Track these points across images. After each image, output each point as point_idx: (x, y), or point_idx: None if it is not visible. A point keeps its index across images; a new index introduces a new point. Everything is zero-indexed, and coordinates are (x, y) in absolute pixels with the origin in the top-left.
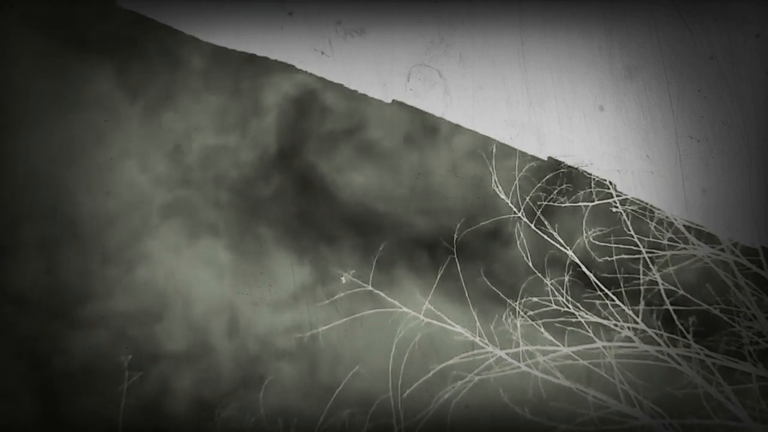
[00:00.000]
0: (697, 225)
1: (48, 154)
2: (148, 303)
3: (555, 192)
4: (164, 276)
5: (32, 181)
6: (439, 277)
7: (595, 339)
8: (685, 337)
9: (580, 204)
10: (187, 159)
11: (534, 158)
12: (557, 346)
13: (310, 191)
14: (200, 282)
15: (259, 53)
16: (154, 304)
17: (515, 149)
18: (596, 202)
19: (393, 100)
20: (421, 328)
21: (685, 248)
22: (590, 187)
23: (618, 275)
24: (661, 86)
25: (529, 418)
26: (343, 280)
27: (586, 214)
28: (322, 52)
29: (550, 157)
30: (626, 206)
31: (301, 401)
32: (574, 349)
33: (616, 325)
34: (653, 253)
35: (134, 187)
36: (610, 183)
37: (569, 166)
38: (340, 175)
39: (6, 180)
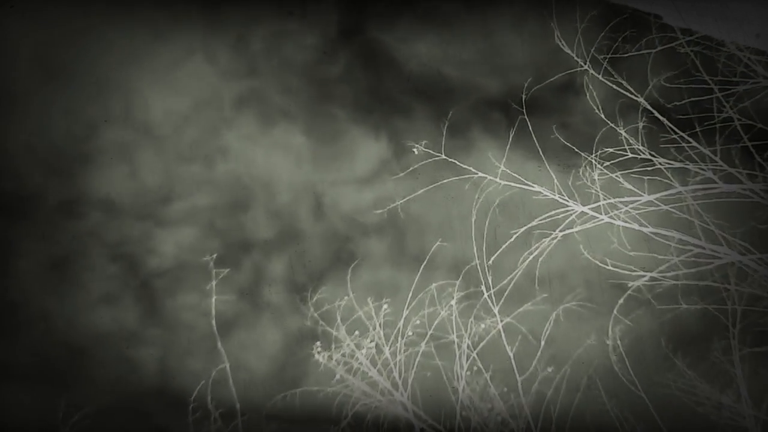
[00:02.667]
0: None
1: (114, 58)
2: (232, 195)
3: (620, 39)
4: (244, 166)
5: (102, 88)
6: (510, 138)
7: (675, 184)
8: (765, 171)
9: (644, 51)
10: (253, 46)
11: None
12: (638, 194)
13: (376, 66)
14: (280, 168)
15: None
16: (238, 195)
17: None
18: (659, 48)
19: None
20: (499, 191)
21: (757, 81)
22: (653, 33)
23: (692, 115)
24: None
25: (612, 270)
26: (416, 151)
27: (650, 61)
28: None
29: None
30: (692, 47)
31: (390, 276)
32: (655, 196)
33: (695, 168)
34: (726, 89)
35: (203, 81)
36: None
37: (633, 10)
38: (406, 45)
39: (77, 89)
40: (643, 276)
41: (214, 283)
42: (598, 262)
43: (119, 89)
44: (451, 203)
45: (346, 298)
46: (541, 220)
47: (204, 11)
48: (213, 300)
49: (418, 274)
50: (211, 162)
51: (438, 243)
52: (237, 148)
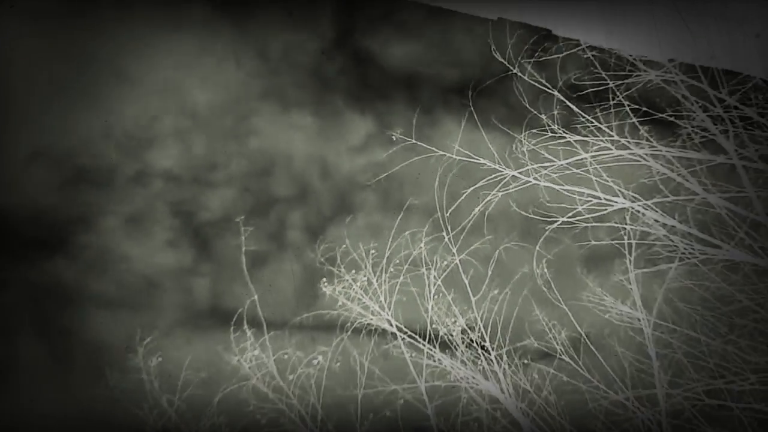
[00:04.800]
0: (645, 57)
1: (169, 61)
2: (261, 164)
3: (539, 50)
4: (269, 142)
5: (161, 87)
6: (462, 127)
7: (581, 151)
8: (649, 140)
9: (554, 56)
10: (272, 54)
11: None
12: (553, 161)
13: (364, 65)
14: (296, 143)
15: None
16: (265, 164)
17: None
18: (565, 53)
19: None
20: (455, 164)
21: (639, 74)
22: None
23: (594, 104)
24: None
25: (534, 218)
26: (394, 138)
27: (558, 63)
28: None
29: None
30: (591, 52)
31: (379, 219)
32: (567, 161)
33: (595, 140)
34: (617, 81)
35: (237, 80)
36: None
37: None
38: (386, 48)
39: (142, 88)
40: (556, 221)
41: (243, 237)
42: (522, 212)
43: (173, 88)
44: (422, 173)
45: (343, 246)
46: (485, 181)
47: (232, 28)
48: (243, 250)
49: (396, 224)
50: (244, 140)
51: (410, 201)
52: (263, 129)
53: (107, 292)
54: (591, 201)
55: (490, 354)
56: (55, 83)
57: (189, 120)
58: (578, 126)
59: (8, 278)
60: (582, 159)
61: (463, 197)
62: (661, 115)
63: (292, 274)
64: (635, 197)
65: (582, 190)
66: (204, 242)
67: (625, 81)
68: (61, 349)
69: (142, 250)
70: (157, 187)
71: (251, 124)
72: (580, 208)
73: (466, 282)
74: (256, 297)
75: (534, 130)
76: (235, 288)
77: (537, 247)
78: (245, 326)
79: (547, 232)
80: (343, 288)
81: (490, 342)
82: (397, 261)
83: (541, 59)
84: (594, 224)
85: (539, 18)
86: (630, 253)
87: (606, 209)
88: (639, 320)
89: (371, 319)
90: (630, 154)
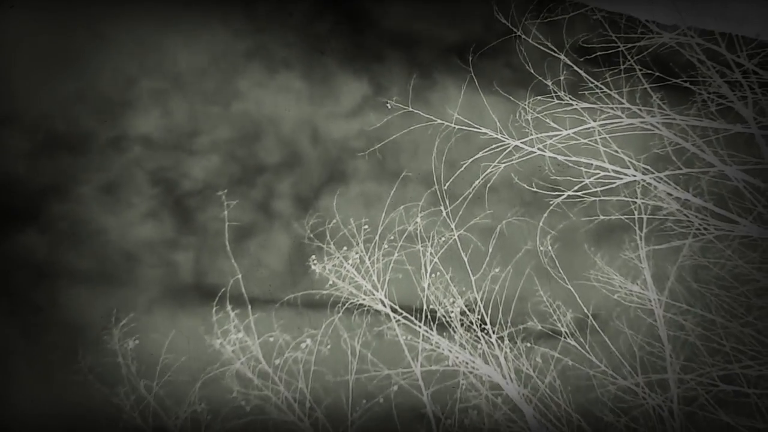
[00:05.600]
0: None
1: (148, 18)
2: (246, 129)
3: (545, 10)
4: (255, 106)
5: (139, 48)
6: (462, 92)
7: (588, 119)
8: (662, 108)
9: (560, 17)
10: (259, 10)
11: None
12: (559, 130)
13: (358, 23)
14: (284, 107)
15: None
16: (250, 129)
17: None
18: (572, 13)
19: None
20: (454, 133)
21: (651, 37)
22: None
23: (603, 68)
24: None
25: (537, 190)
26: (389, 106)
27: (565, 25)
28: None
29: None
30: (600, 13)
31: (372, 188)
32: (574, 130)
33: (605, 107)
34: (629, 44)
35: (219, 39)
36: None
37: None
38: (381, 6)
39: (119, 48)
40: (562, 194)
41: (226, 212)
42: (525, 185)
43: (152, 48)
44: (419, 142)
45: (334, 221)
46: (485, 152)
47: None
48: (226, 225)
49: (390, 197)
50: (228, 103)
51: (405, 173)
52: (248, 92)
53: (82, 266)
54: (599, 173)
55: (490, 337)
56: (21, 43)
57: (169, 82)
58: (586, 92)
59: None
60: (590, 128)
61: (462, 168)
62: (675, 80)
63: (279, 250)
64: (647, 169)
65: (590, 162)
66: (186, 213)
67: (637, 44)
68: (33, 327)
69: (119, 221)
70: (135, 154)
71: (236, 86)
72: (587, 181)
73: (466, 259)
74: (240, 276)
75: (539, 97)
76: (219, 262)
77: (541, 223)
78: (228, 307)
79: (552, 206)
80: (334, 266)
81: (490, 324)
82: (392, 237)
83: (546, 20)
84: (602, 198)
85: None
86: (641, 229)
87: (615, 182)
88: (650, 300)
89: (363, 299)
90: (641, 122)
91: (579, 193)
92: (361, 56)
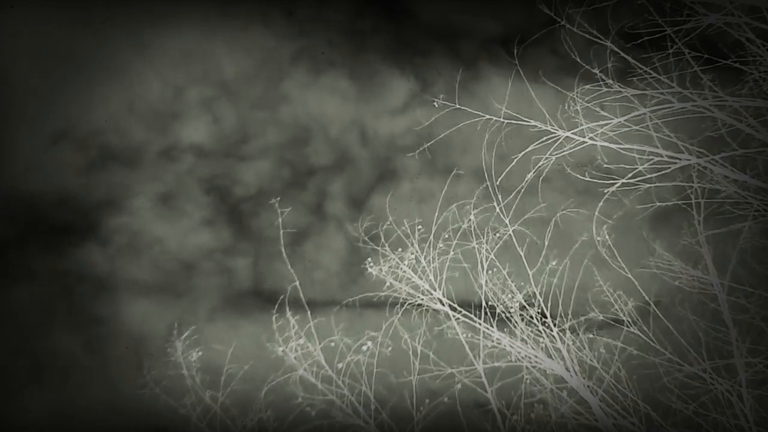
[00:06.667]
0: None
1: (190, 27)
2: (296, 132)
3: None
4: (303, 108)
5: (185, 57)
6: (509, 85)
7: (639, 106)
8: (713, 89)
9: (604, 3)
10: (300, 12)
11: None
12: (610, 118)
13: (398, 19)
14: (331, 108)
15: None
16: (300, 132)
17: None
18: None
19: None
20: (504, 127)
21: (698, 18)
22: None
23: (651, 54)
24: None
25: (588, 180)
26: (436, 104)
27: (609, 11)
28: None
29: None
30: None
31: (424, 185)
32: (624, 118)
33: (655, 93)
34: (675, 27)
35: (264, 44)
36: None
37: None
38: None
39: (165, 59)
40: (616, 182)
41: (280, 220)
42: (578, 176)
43: (197, 57)
44: (468, 138)
45: (387, 223)
46: (535, 145)
47: None
48: (281, 233)
49: (441, 196)
50: (275, 107)
51: (455, 171)
52: (295, 95)
53: (142, 277)
54: (653, 159)
55: (552, 330)
56: (71, 61)
57: (216, 89)
58: (635, 79)
59: (37, 269)
60: (641, 114)
61: (513, 163)
62: (724, 61)
63: (336, 252)
64: (701, 152)
65: (643, 148)
66: (241, 219)
67: (684, 26)
68: (97, 341)
69: (175, 230)
70: (187, 163)
71: (283, 89)
72: (640, 168)
73: (522, 254)
74: (297, 282)
75: (587, 86)
76: (277, 267)
77: (596, 212)
78: (288, 314)
79: (606, 195)
80: (390, 268)
81: (551, 317)
82: (446, 235)
83: (590, 7)
84: (657, 184)
85: None
86: (699, 214)
87: (669, 167)
88: (712, 285)
89: (422, 299)
90: (693, 105)
91: (633, 180)
92: (405, 52)
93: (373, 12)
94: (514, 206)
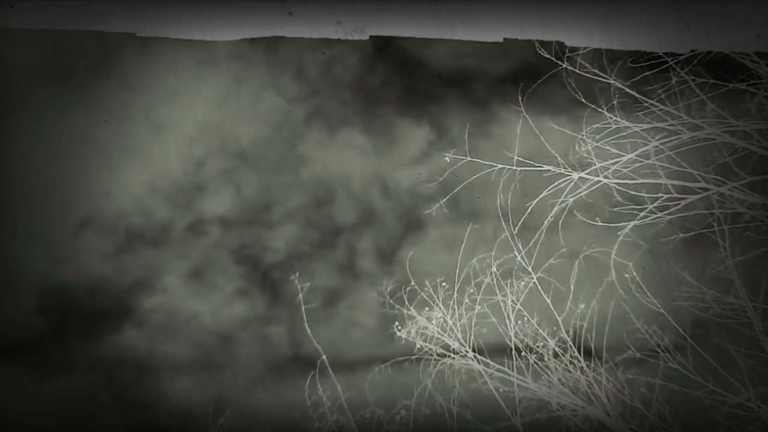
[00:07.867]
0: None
1: (201, 100)
2: (317, 193)
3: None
4: (322, 169)
5: (201, 128)
6: (518, 133)
7: (650, 139)
8: (722, 116)
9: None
10: (310, 74)
11: None
12: (621, 154)
13: (408, 69)
14: (350, 164)
15: None
16: (322, 192)
17: None
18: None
19: None
20: (516, 175)
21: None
22: None
23: (653, 86)
24: None
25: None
26: (447, 159)
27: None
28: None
29: None
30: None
31: (450, 231)
32: (636, 153)
33: (664, 125)
34: (673, 57)
35: (277, 108)
36: None
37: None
38: (426, 48)
39: (177, 133)
40: (628, 224)
41: (301, 296)
42: (588, 221)
43: (213, 129)
44: (486, 184)
45: (410, 285)
46: (548, 190)
47: (267, 56)
48: (303, 309)
49: (460, 252)
50: (296, 170)
51: (470, 226)
52: (313, 155)
53: (181, 355)
54: (671, 194)
55: (588, 375)
56: (88, 146)
57: (235, 159)
58: (640, 114)
59: (76, 359)
60: (652, 148)
61: (528, 211)
62: (729, 85)
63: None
64: (718, 180)
65: (657, 182)
66: (274, 285)
67: (680, 56)
68: (144, 424)
69: (209, 304)
70: (214, 236)
71: (300, 152)
72: (651, 207)
73: (549, 301)
74: (324, 357)
75: (595, 125)
76: (314, 329)
77: (613, 255)
78: (319, 389)
79: (620, 237)
80: (418, 329)
81: (585, 362)
82: (471, 290)
83: (588, 49)
84: (678, 215)
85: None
86: (724, 240)
87: (688, 198)
88: (746, 311)
89: (453, 358)
90: (704, 133)
91: (650, 216)
92: (417, 101)
93: (382, 65)
94: (534, 253)
